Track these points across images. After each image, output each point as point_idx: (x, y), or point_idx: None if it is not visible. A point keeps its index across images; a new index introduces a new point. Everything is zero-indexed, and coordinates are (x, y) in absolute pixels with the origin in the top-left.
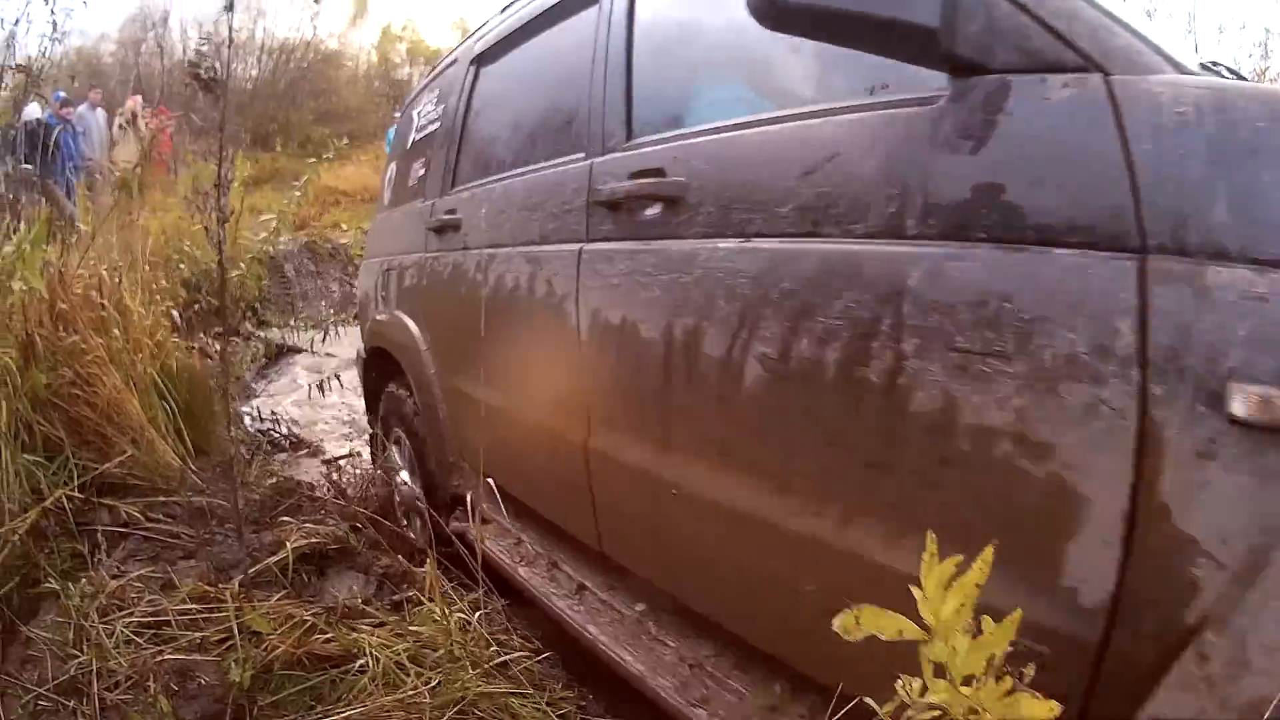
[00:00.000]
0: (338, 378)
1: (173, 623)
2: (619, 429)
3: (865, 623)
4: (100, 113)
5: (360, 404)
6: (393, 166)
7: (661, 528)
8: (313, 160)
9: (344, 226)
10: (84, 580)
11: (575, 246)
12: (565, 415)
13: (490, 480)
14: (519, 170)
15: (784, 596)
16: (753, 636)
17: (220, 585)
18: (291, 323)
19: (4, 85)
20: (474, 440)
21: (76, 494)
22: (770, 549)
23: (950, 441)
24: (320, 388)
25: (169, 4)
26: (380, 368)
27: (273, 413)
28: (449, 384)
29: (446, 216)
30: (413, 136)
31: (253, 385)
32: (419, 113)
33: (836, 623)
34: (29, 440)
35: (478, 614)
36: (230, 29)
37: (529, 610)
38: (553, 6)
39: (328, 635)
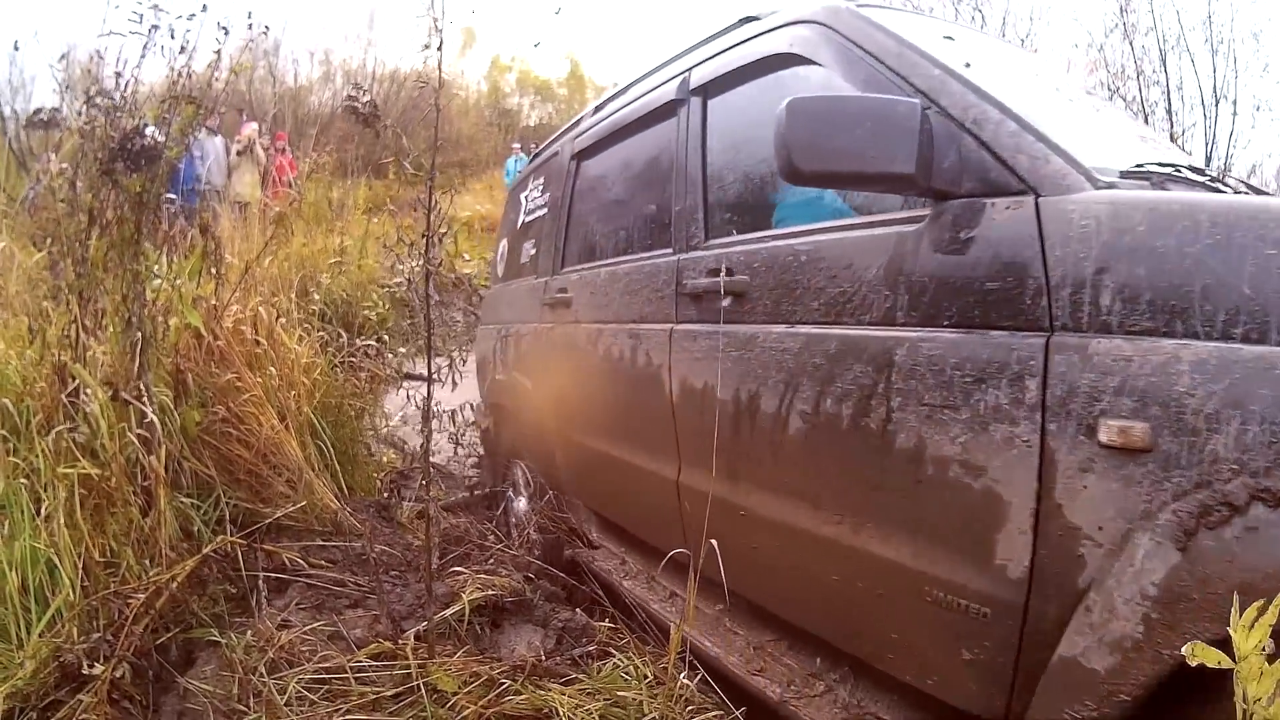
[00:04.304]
0: (472, 407)
1: (349, 678)
2: (707, 469)
3: (1197, 653)
4: (218, 138)
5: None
6: (504, 244)
7: (735, 541)
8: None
9: (466, 256)
10: (249, 631)
11: (666, 327)
12: (660, 458)
13: (598, 511)
14: (619, 259)
15: (824, 588)
16: (801, 621)
17: (400, 640)
18: (414, 351)
19: (175, 117)
20: (585, 479)
21: (238, 540)
22: (809, 551)
23: (921, 467)
24: (452, 416)
25: (280, 32)
26: (499, 416)
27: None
28: (564, 434)
29: (559, 295)
30: (522, 218)
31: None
32: (526, 196)
33: (1185, 649)
34: (180, 479)
35: (681, 675)
36: (439, 68)
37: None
38: (639, 117)
39: (519, 694)
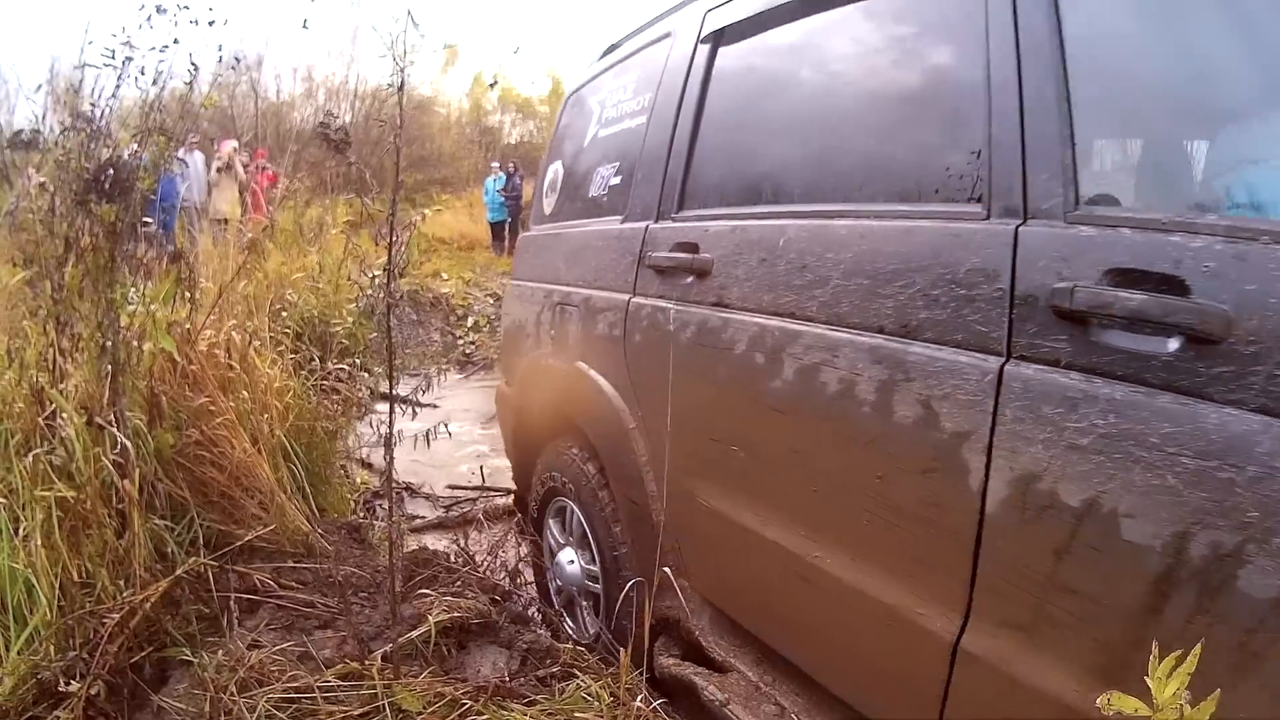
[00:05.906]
0: (446, 428)
1: (317, 697)
2: (1030, 642)
3: (1115, 702)
4: (198, 156)
5: (463, 453)
6: (556, 167)
7: None
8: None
9: (444, 275)
10: (220, 651)
11: (986, 361)
12: (921, 595)
13: (728, 612)
14: (838, 209)
15: None
16: None
17: (367, 660)
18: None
19: (147, 147)
20: (716, 565)
21: (211, 562)
22: None
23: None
24: (427, 437)
25: (262, 49)
26: (540, 422)
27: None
28: (678, 484)
29: (682, 255)
30: (594, 131)
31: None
32: (602, 101)
33: (1100, 700)
34: (154, 501)
35: (638, 699)
36: (401, 106)
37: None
38: None
39: (481, 715)
